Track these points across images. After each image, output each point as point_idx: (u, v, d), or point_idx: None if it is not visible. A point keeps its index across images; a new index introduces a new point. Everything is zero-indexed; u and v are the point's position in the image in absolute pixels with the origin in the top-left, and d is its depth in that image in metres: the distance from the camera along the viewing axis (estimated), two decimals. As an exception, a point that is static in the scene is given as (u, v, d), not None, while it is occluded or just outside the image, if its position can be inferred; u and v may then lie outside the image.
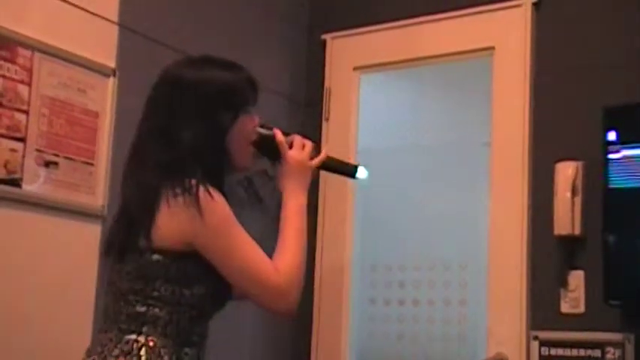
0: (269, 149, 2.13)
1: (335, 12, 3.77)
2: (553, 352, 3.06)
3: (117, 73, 2.93)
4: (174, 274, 1.93)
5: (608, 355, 2.96)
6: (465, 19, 3.43)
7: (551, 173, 3.09)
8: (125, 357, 1.90)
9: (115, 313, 1.97)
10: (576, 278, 3.07)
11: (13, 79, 2.65)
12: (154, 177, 1.96)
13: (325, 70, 3.72)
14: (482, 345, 3.32)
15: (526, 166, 3.22)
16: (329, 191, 3.61)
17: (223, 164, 2.05)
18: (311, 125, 3.66)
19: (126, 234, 1.99)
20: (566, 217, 3.03)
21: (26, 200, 2.66)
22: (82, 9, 2.86)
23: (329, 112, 3.69)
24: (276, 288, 1.96)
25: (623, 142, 2.90)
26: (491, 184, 3.32)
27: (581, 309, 3.05)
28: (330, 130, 3.68)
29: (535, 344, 3.09)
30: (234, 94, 2.07)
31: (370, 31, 3.63)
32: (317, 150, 2.18)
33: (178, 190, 1.92)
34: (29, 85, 2.69)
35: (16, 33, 2.66)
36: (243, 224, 2.03)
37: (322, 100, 3.69)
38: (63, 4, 2.82)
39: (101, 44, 2.92)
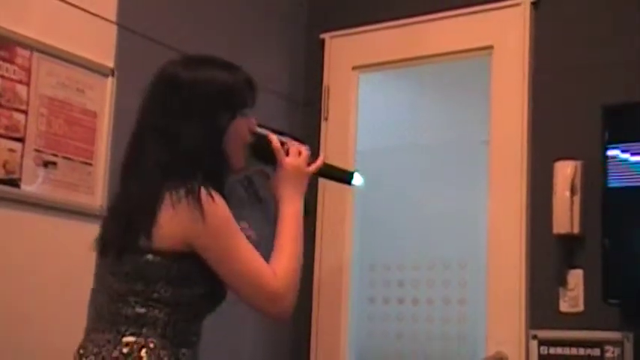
0: (265, 154, 2.13)
1: (334, 11, 3.77)
2: (552, 351, 3.06)
3: (115, 72, 2.93)
4: (174, 275, 1.93)
5: (607, 354, 2.96)
6: (464, 18, 3.43)
7: (550, 172, 3.09)
8: (125, 359, 1.90)
9: (112, 314, 1.95)
10: (575, 277, 3.07)
11: (11, 79, 2.64)
12: (155, 177, 1.95)
13: (324, 69, 3.72)
14: (481, 344, 3.32)
15: (525, 165, 3.22)
16: (328, 191, 3.61)
17: (222, 165, 2.05)
18: (310, 125, 3.67)
19: (124, 234, 1.97)
20: (565, 216, 3.03)
21: (25, 200, 2.66)
22: (81, 9, 2.86)
23: (328, 112, 3.69)
24: (274, 292, 1.97)
25: (621, 141, 2.91)
26: (490, 184, 3.32)
27: (580, 308, 3.05)
28: (328, 130, 3.68)
29: (534, 343, 3.09)
30: (233, 94, 2.06)
31: (369, 31, 3.63)
32: (314, 156, 2.18)
33: (180, 192, 1.91)
34: (28, 85, 2.68)
35: (15, 33, 2.66)
36: (244, 223, 2.04)
37: (321, 100, 3.69)
38: (61, 3, 2.82)
39: (100, 44, 2.92)
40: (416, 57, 3.57)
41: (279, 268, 2.00)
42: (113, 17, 2.97)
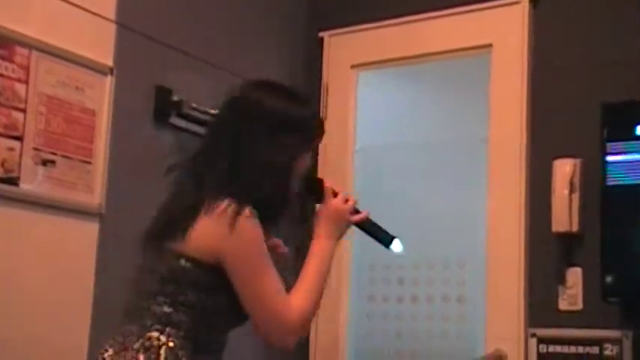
0: (315, 190, 2.21)
1: (333, 9, 3.77)
2: (551, 349, 3.06)
3: (114, 71, 2.93)
4: (202, 283, 1.99)
5: (606, 352, 2.96)
6: (463, 16, 3.43)
7: (548, 170, 3.09)
8: (145, 352, 1.96)
9: (141, 309, 2.01)
10: (574, 275, 3.07)
11: (10, 78, 2.64)
12: (210, 189, 2.01)
13: (323, 67, 3.72)
14: (480, 342, 3.33)
15: (524, 164, 3.22)
16: (327, 189, 3.60)
17: (284, 193, 2.10)
18: (309, 123, 3.66)
19: (164, 235, 2.05)
20: (564, 214, 3.04)
21: (24, 199, 2.66)
22: (80, 7, 2.86)
23: (327, 110, 3.69)
24: (286, 322, 2.03)
25: (620, 139, 2.91)
26: (489, 182, 3.32)
27: (579, 306, 3.05)
28: (327, 128, 3.62)
29: (533, 341, 3.09)
30: (309, 129, 2.15)
31: (368, 29, 3.63)
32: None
33: (223, 207, 1.97)
34: (26, 83, 2.68)
35: (14, 31, 2.66)
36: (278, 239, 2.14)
37: (320, 98, 3.69)
38: (61, 2, 2.82)
39: (99, 43, 2.92)
40: (415, 55, 3.57)
41: (297, 301, 2.05)
42: (112, 16, 2.96)
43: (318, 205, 2.23)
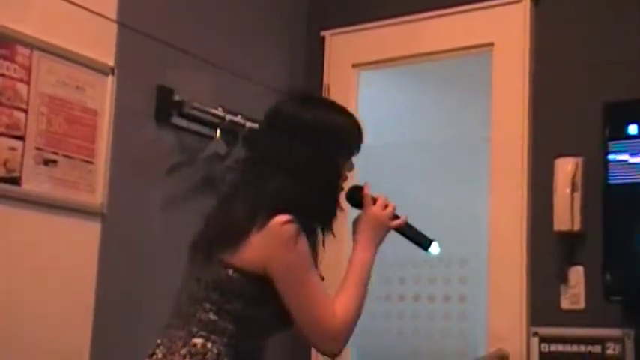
0: (355, 198, 2.27)
1: (334, 9, 3.77)
2: (553, 348, 3.06)
3: (116, 71, 2.93)
4: (248, 293, 2.07)
5: (609, 351, 2.96)
6: (465, 15, 3.43)
7: (550, 169, 3.09)
8: (191, 357, 2.04)
9: (188, 315, 2.09)
10: (576, 274, 3.07)
11: (12, 78, 2.64)
12: (261, 202, 2.07)
13: (324, 66, 3.72)
14: (482, 341, 3.32)
15: (525, 163, 3.22)
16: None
17: (333, 202, 2.19)
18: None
19: (214, 244, 2.10)
20: (566, 213, 3.03)
21: (26, 199, 2.66)
22: (81, 7, 2.86)
23: (328, 109, 3.68)
24: (330, 330, 2.10)
25: (622, 137, 2.91)
26: (490, 181, 3.32)
27: (581, 305, 3.04)
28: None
29: (535, 340, 3.09)
30: (350, 138, 2.22)
31: (369, 28, 3.63)
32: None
33: (273, 222, 2.03)
34: (28, 83, 2.68)
35: (15, 31, 2.66)
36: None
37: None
38: (62, 2, 2.81)
39: (100, 42, 2.92)
40: (416, 54, 3.56)
41: (340, 309, 2.11)
42: (113, 15, 2.96)
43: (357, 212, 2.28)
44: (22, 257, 2.66)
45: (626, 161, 2.89)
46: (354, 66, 3.68)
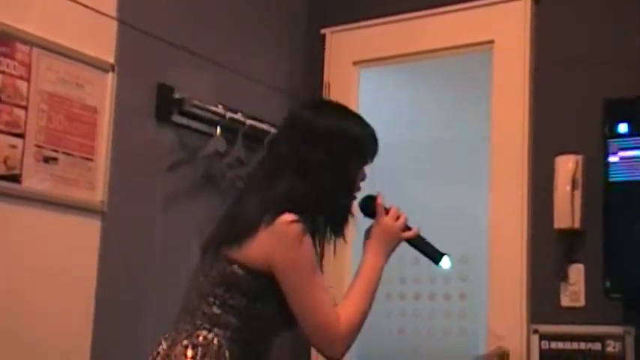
0: (368, 207, 2.29)
1: (334, 6, 3.77)
2: (553, 345, 3.06)
3: (116, 68, 2.93)
4: (252, 289, 2.10)
5: (609, 349, 2.96)
6: (465, 12, 3.42)
7: (551, 167, 3.09)
8: (193, 349, 2.08)
9: (194, 309, 2.13)
10: (576, 272, 3.07)
11: (11, 75, 2.64)
12: (274, 201, 2.10)
13: (324, 64, 3.71)
14: (482, 339, 3.33)
15: (526, 160, 3.22)
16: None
17: (346, 207, 2.22)
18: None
19: (222, 241, 2.14)
20: (566, 211, 3.03)
21: (26, 196, 2.66)
22: (81, 4, 2.86)
23: (328, 107, 3.68)
24: (333, 335, 2.11)
25: (622, 135, 2.91)
26: (491, 179, 3.32)
27: (581, 302, 3.04)
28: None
29: (535, 338, 3.09)
30: (364, 146, 2.25)
31: (370, 26, 3.63)
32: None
33: (281, 222, 2.06)
34: (28, 80, 2.68)
35: (15, 28, 2.66)
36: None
37: (322, 95, 3.69)
38: (62, -1, 2.82)
39: (100, 39, 2.92)
40: (417, 52, 3.56)
41: (344, 314, 2.13)
42: (113, 13, 2.96)
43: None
44: (22, 255, 2.66)
45: (626, 159, 2.89)
46: (355, 64, 3.68)
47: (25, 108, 2.67)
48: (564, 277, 3.08)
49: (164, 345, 2.12)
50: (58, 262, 2.75)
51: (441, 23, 3.48)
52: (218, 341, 2.08)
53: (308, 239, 2.10)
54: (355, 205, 2.29)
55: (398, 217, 2.28)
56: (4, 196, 2.60)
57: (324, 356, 2.18)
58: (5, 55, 2.62)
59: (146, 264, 3.03)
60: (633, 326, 2.93)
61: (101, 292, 2.86)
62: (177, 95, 3.12)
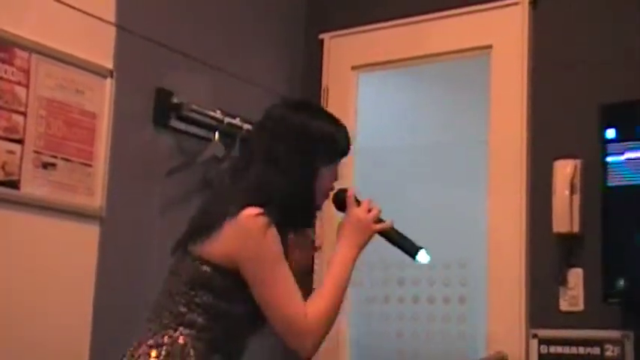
0: (339, 201, 2.27)
1: (333, 11, 3.77)
2: (552, 349, 3.06)
3: (114, 74, 2.93)
4: (217, 287, 2.08)
5: (608, 353, 2.96)
6: (463, 17, 3.43)
7: (549, 171, 3.09)
8: (157, 348, 2.06)
9: (161, 308, 2.13)
10: (575, 276, 3.07)
11: (10, 81, 2.64)
12: (236, 199, 2.09)
13: (323, 69, 3.72)
14: (481, 343, 3.32)
15: (524, 165, 3.22)
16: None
17: (309, 201, 2.20)
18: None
19: (188, 238, 2.14)
20: (565, 215, 3.03)
21: (24, 202, 2.66)
22: (80, 10, 2.86)
23: (327, 112, 3.68)
24: (300, 330, 2.08)
25: (621, 139, 2.91)
26: (489, 183, 3.32)
27: (580, 307, 3.05)
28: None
29: (534, 342, 3.09)
30: (334, 143, 2.23)
31: (368, 30, 3.63)
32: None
33: (244, 216, 2.05)
34: (27, 86, 2.68)
35: (13, 34, 2.66)
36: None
37: (320, 100, 3.69)
38: (60, 5, 2.81)
39: (98, 45, 2.92)
40: (415, 56, 3.56)
41: (313, 309, 2.10)
42: (112, 18, 2.96)
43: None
44: (21, 260, 2.66)
45: (625, 163, 2.89)
46: (353, 68, 3.68)
47: (24, 114, 2.67)
48: (563, 282, 3.08)
49: (135, 345, 2.10)
50: (57, 267, 2.75)
51: (439, 28, 3.48)
52: (183, 340, 2.06)
53: (273, 231, 2.07)
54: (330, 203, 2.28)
55: (370, 210, 2.25)
56: (3, 202, 2.61)
57: (294, 351, 2.13)
58: (4, 61, 2.63)
59: (144, 269, 3.03)
60: (632, 331, 2.93)
61: (99, 297, 2.86)
62: (175, 100, 3.12)
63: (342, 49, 3.70)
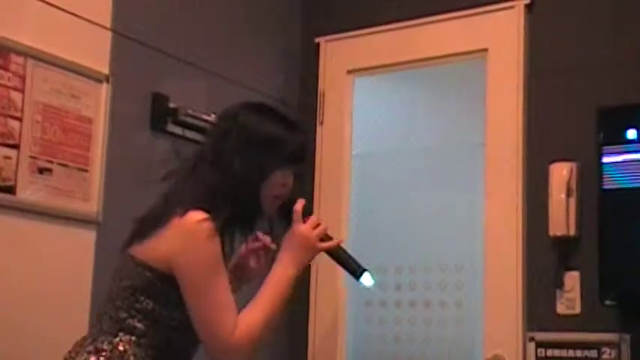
0: (286, 212, 2.17)
1: (329, 15, 3.77)
2: (549, 353, 3.06)
3: (110, 79, 2.93)
4: (157, 293, 2.02)
5: (604, 356, 2.96)
6: (458, 21, 3.43)
7: (545, 174, 3.09)
8: (96, 354, 2.00)
9: (101, 314, 2.08)
10: (572, 279, 3.07)
11: (6, 86, 2.64)
12: (178, 201, 2.04)
13: (319, 73, 3.72)
14: (478, 346, 3.33)
15: (520, 168, 3.22)
16: (324, 194, 3.61)
17: (254, 204, 2.11)
18: (305, 129, 3.66)
19: (129, 241, 2.09)
20: (561, 218, 3.04)
21: (20, 207, 2.66)
22: (75, 15, 2.86)
23: (323, 116, 3.69)
24: (225, 348, 2.00)
25: (616, 142, 2.91)
26: (486, 186, 3.32)
27: (577, 310, 3.05)
28: (324, 134, 3.68)
29: (531, 345, 3.09)
30: (285, 148, 2.13)
31: (364, 34, 3.63)
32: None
33: (181, 219, 1.99)
34: (22, 91, 2.68)
35: (9, 40, 2.66)
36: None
37: (316, 104, 3.69)
38: (56, 10, 2.81)
39: (94, 50, 2.92)
40: (411, 60, 3.57)
41: (243, 324, 2.01)
42: (108, 23, 2.96)
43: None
44: (16, 266, 2.65)
45: (620, 166, 2.89)
46: (349, 72, 3.68)
47: (20, 119, 2.67)
48: (560, 285, 3.08)
49: (72, 353, 2.05)
50: (53, 273, 2.75)
51: (434, 32, 3.48)
52: (123, 346, 2.00)
53: (215, 240, 1.99)
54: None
55: (316, 226, 2.16)
56: (-1, 207, 2.60)
57: None
58: (-1, 67, 2.63)
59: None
60: (629, 333, 2.94)
61: (96, 303, 2.84)
62: (171, 105, 3.12)
63: (337, 53, 3.70)
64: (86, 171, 2.85)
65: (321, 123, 3.68)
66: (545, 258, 3.12)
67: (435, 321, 3.91)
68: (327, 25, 3.74)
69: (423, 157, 4.00)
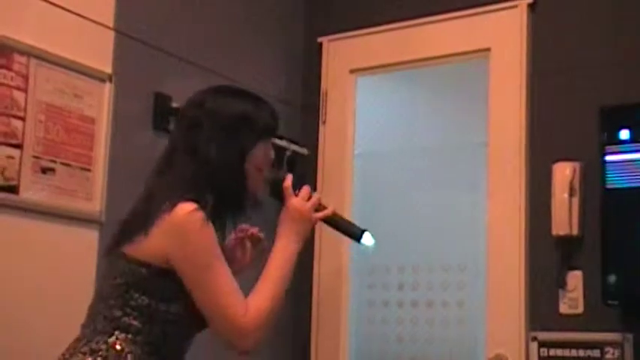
0: (277, 191, 2.16)
1: (331, 15, 3.77)
2: (552, 352, 3.06)
3: (113, 78, 2.93)
4: (153, 288, 2.00)
5: (607, 355, 2.96)
6: (461, 20, 3.43)
7: (548, 174, 3.09)
8: (92, 355, 1.98)
9: (94, 313, 2.05)
10: (574, 279, 3.07)
11: (9, 86, 2.64)
12: (165, 193, 2.01)
13: (322, 72, 3.72)
14: (481, 346, 3.32)
15: (523, 167, 3.22)
16: (327, 193, 3.60)
17: (241, 185, 2.09)
18: (308, 128, 3.67)
19: (119, 239, 2.06)
20: (564, 218, 3.04)
21: (23, 207, 2.66)
22: (78, 15, 2.86)
23: (326, 115, 3.69)
24: (240, 328, 1.99)
25: (619, 142, 2.91)
26: (489, 186, 3.32)
27: (580, 309, 3.05)
28: (327, 133, 3.68)
29: (534, 345, 3.09)
30: (256, 121, 2.12)
31: (366, 34, 3.63)
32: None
33: (173, 211, 1.97)
34: (25, 91, 2.68)
35: (12, 39, 2.66)
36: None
37: (319, 103, 3.69)
38: (59, 9, 2.81)
39: (97, 50, 2.92)
40: (414, 60, 3.57)
41: (253, 305, 2.01)
42: (110, 23, 2.96)
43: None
44: (19, 266, 2.65)
45: (624, 165, 2.89)
46: (352, 72, 3.68)
47: (23, 119, 2.67)
48: (563, 284, 3.08)
49: (66, 354, 2.03)
50: (56, 272, 2.75)
51: (437, 31, 3.48)
52: (120, 345, 1.98)
53: (209, 227, 1.98)
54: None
55: (309, 198, 2.15)
56: (2, 207, 2.60)
57: (234, 350, 2.03)
58: (2, 66, 2.62)
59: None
60: (632, 333, 2.94)
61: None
62: (174, 104, 3.12)
63: (340, 52, 3.70)
64: (89, 170, 2.85)
65: (324, 122, 3.68)
66: (547, 258, 3.12)
67: (437, 321, 3.91)
68: (329, 24, 3.74)
69: (426, 157, 4.00)
